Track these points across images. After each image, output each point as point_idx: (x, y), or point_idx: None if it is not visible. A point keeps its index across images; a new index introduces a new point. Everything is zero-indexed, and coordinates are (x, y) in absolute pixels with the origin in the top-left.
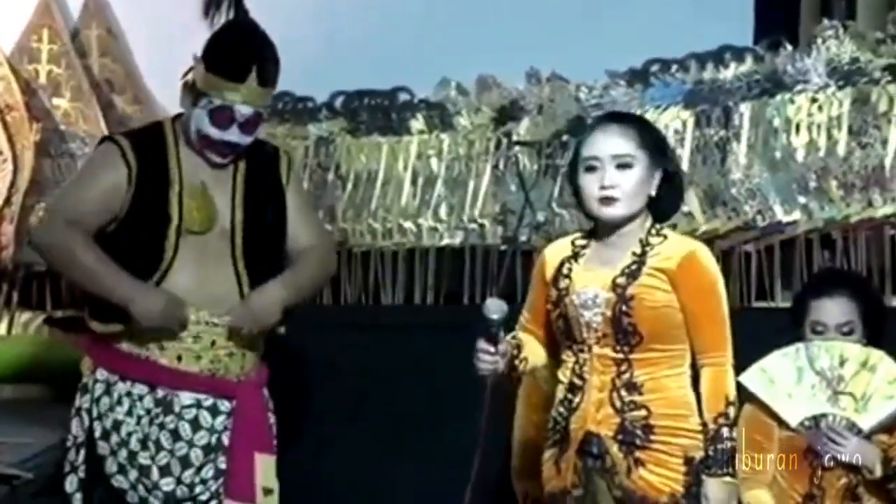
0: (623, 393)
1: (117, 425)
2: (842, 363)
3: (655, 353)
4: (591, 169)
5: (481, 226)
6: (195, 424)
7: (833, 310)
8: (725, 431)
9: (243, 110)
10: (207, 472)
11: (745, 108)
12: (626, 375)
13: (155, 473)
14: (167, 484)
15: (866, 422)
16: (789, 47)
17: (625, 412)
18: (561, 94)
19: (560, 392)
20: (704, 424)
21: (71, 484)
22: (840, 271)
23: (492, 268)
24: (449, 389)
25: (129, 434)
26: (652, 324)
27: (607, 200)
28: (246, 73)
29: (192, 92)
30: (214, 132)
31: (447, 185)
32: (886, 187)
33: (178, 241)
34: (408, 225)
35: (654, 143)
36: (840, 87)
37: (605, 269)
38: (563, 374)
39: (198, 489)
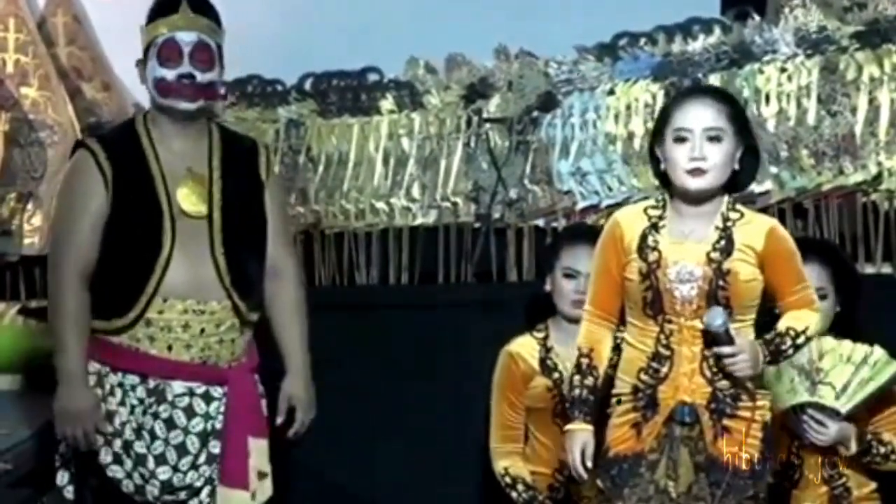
0: (712, 363)
1: (110, 416)
2: (820, 357)
3: (737, 324)
4: (681, 140)
5: (454, 204)
6: (189, 412)
7: None
8: (788, 341)
9: (186, 38)
10: (200, 457)
11: (715, 80)
12: None
13: (151, 462)
14: (164, 472)
15: (845, 406)
16: (757, 17)
17: (715, 381)
18: (530, 70)
19: (641, 360)
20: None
21: (62, 477)
22: (812, 240)
23: (466, 246)
24: (425, 368)
25: (123, 424)
26: (742, 297)
27: (697, 172)
28: (176, 4)
29: (144, 58)
30: (167, 72)
31: (419, 164)
32: (857, 155)
33: (174, 232)
34: (380, 205)
35: (740, 119)
36: (808, 56)
37: (693, 243)
38: (642, 343)
39: (190, 475)
